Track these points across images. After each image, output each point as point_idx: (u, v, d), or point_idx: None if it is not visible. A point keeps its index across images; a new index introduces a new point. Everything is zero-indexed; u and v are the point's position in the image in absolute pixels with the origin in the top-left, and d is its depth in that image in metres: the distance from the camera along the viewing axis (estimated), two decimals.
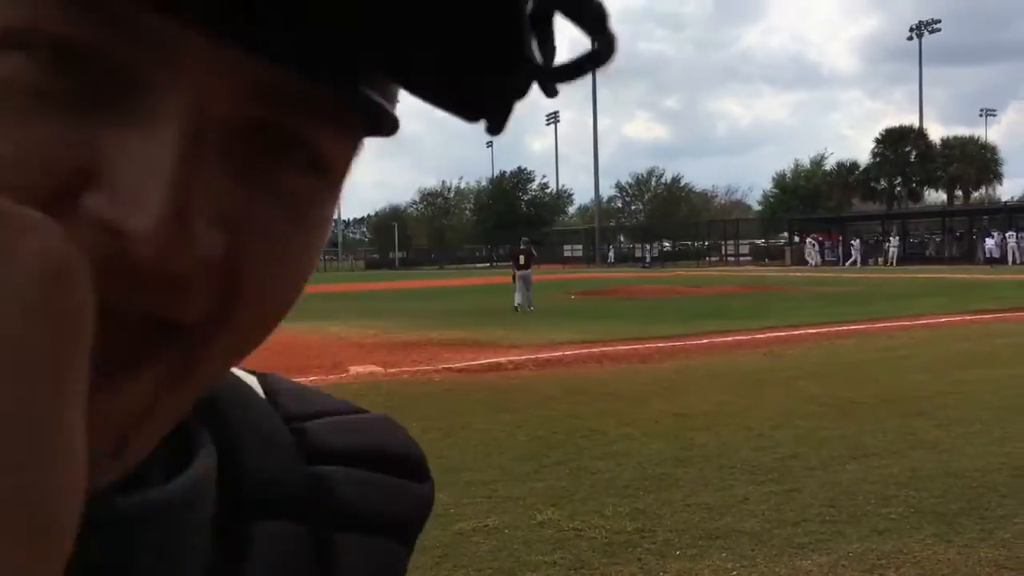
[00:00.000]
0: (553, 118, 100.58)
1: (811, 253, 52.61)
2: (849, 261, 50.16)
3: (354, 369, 10.61)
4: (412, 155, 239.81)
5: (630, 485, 5.15)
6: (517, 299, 19.55)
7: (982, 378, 8.72)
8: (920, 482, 5.02)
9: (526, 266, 19.91)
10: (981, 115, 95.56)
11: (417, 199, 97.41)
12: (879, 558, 3.86)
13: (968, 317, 15.31)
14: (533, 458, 5.90)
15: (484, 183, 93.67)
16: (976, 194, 72.03)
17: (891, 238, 50.41)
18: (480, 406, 7.98)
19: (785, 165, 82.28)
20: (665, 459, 5.76)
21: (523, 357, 11.20)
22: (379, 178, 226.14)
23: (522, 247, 20.88)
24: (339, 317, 18.87)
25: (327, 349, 12.86)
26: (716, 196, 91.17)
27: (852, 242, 52.41)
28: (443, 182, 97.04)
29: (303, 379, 7.69)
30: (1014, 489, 4.81)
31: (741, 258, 63.97)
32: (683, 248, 70.54)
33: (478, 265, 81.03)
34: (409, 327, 15.88)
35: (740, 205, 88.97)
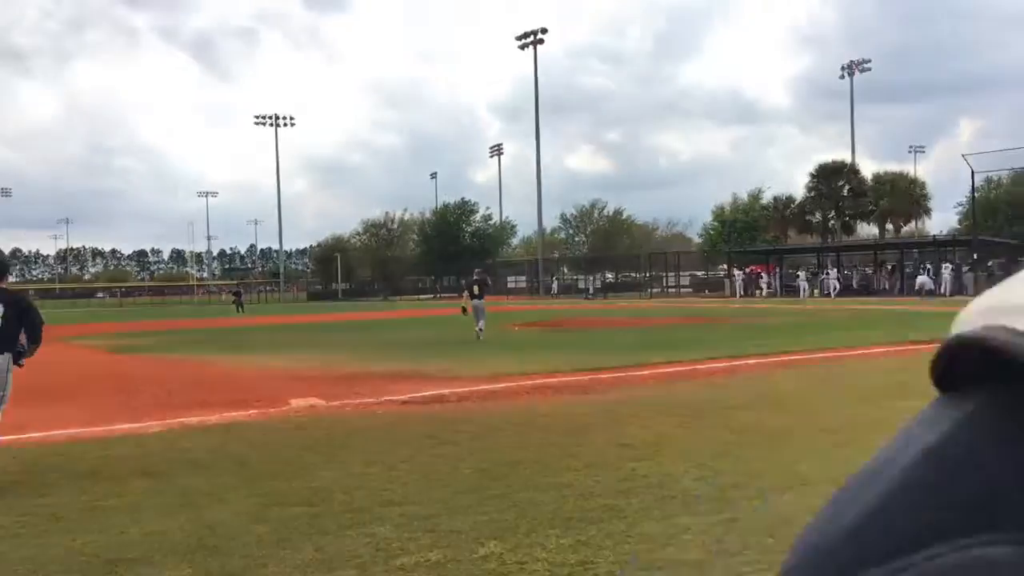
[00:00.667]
0: (497, 150, 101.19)
1: (737, 285, 53.36)
2: (804, 293, 50.70)
3: (295, 402, 10.46)
4: (354, 186, 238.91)
5: (573, 517, 5.15)
6: (480, 326, 19.90)
7: (916, 407, 8.86)
8: None
9: (480, 295, 20.32)
10: (910, 151, 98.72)
11: (360, 230, 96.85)
12: None
13: (903, 348, 15.70)
14: (476, 491, 5.86)
15: (428, 214, 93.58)
16: (906, 228, 74.17)
17: (829, 271, 51.42)
18: (423, 439, 7.92)
19: (724, 198, 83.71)
20: (608, 490, 5.78)
21: (466, 389, 11.16)
22: (321, 209, 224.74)
23: (476, 277, 21.43)
24: (280, 349, 18.61)
25: (267, 382, 12.67)
26: (657, 228, 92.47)
27: (799, 273, 53.10)
28: (386, 213, 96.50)
29: (241, 413, 7.62)
30: None
31: (682, 289, 64.79)
32: (626, 279, 71.24)
33: (422, 296, 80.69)
34: (352, 359, 15.73)
35: (681, 237, 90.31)
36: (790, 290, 51.85)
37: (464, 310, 20.69)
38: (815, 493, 5.54)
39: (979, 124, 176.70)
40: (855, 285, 51.03)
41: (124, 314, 55.41)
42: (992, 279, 45.82)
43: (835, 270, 51.22)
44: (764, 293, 51.85)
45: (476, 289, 20.76)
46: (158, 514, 5.51)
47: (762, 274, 55.48)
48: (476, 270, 23.65)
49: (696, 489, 5.73)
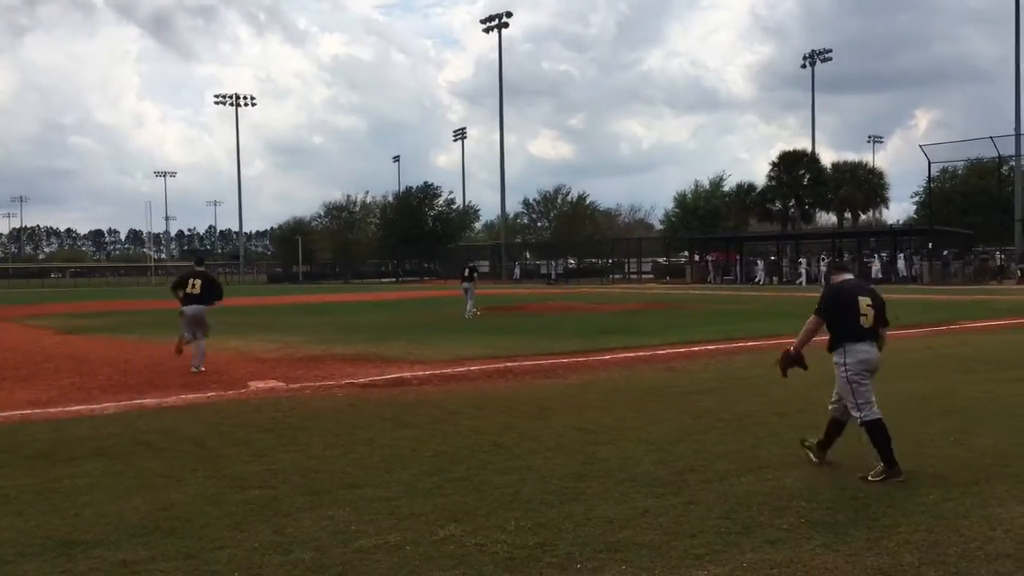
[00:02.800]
0: (460, 134, 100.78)
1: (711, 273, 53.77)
2: (755, 279, 51.41)
3: (254, 384, 10.37)
4: (315, 168, 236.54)
5: (533, 500, 5.18)
6: (469, 307, 23.58)
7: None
8: (811, 493, 5.19)
9: (470, 278, 24.72)
10: (869, 141, 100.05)
11: (322, 213, 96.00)
12: (771, 567, 3.98)
13: None
14: (436, 473, 5.87)
15: (390, 198, 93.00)
16: (864, 216, 75.23)
17: (801, 259, 51.86)
18: (384, 422, 7.90)
19: (686, 185, 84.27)
20: (568, 473, 5.81)
21: (428, 372, 11.15)
22: (281, 191, 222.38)
23: (469, 265, 26.59)
24: (239, 332, 18.41)
25: (226, 365, 12.54)
26: (620, 215, 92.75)
27: (757, 262, 53.74)
28: (348, 196, 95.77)
29: (200, 395, 7.56)
30: (899, 499, 5.03)
31: (644, 276, 65.16)
32: (588, 265, 71.46)
33: (383, 280, 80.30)
34: (312, 342, 15.63)
35: (643, 224, 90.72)
36: (754, 278, 52.41)
37: (464, 292, 24.50)
38: (772, 476, 5.63)
39: (934, 115, 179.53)
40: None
41: (79, 294, 54.46)
42: (946, 267, 46.78)
43: (804, 259, 51.60)
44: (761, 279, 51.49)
45: (466, 272, 25.32)
46: (114, 496, 5.44)
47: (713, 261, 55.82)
48: (469, 262, 30.21)
49: (654, 473, 5.79)
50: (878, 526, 4.54)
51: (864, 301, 5.74)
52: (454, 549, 4.31)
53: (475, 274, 25.67)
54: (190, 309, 12.22)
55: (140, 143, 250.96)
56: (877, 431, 5.57)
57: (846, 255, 51.81)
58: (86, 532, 4.68)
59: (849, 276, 6.09)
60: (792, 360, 6.03)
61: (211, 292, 12.42)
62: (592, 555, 4.18)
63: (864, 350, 5.68)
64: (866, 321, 5.70)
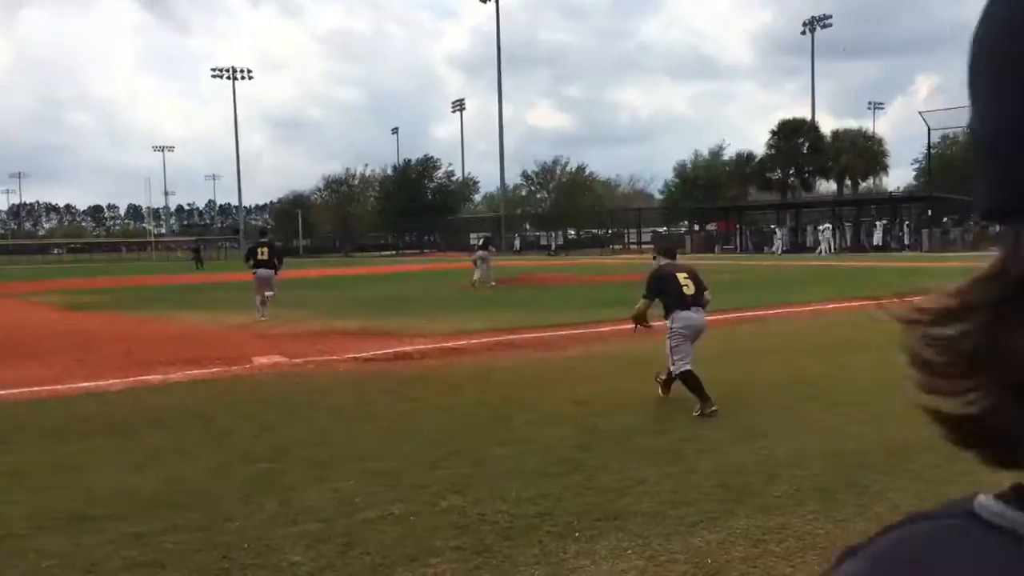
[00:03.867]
0: (459, 106, 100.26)
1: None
2: (771, 248, 50.83)
3: (258, 360, 10.50)
4: (313, 142, 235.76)
5: (533, 471, 5.31)
6: (477, 275, 24.10)
7: (862, 362, 9.20)
8: (804, 461, 5.32)
9: (485, 247, 25.65)
10: (869, 108, 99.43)
11: (321, 186, 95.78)
12: (764, 533, 4.11)
13: (854, 303, 16.05)
14: (439, 446, 6.00)
15: (389, 171, 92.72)
16: (864, 184, 75.05)
17: (820, 228, 51.24)
18: (386, 395, 8.03)
19: (685, 155, 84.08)
20: (567, 444, 5.94)
21: (429, 346, 11.27)
22: (279, 164, 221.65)
23: (485, 236, 29.62)
24: (242, 308, 18.53)
25: (229, 340, 12.67)
26: (619, 185, 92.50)
27: (776, 230, 52.83)
28: (347, 169, 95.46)
29: (204, 371, 7.65)
30: (888, 467, 5.15)
31: (644, 246, 65.14)
32: (588, 236, 71.43)
33: (384, 253, 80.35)
34: (314, 316, 15.75)
35: (643, 194, 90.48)
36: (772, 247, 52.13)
37: (475, 262, 25.28)
38: (767, 445, 5.76)
39: (935, 80, 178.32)
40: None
41: (81, 271, 54.55)
42: (946, 235, 46.79)
43: (828, 227, 50.87)
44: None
45: (481, 241, 26.86)
46: (124, 471, 5.57)
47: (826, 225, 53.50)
48: (484, 235, 32.83)
49: (652, 443, 5.92)
50: (867, 493, 4.67)
51: (681, 276, 7.11)
52: (457, 519, 4.44)
53: (491, 246, 26.54)
54: (261, 272, 15.97)
55: (137, 118, 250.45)
56: (689, 379, 6.87)
57: (811, 227, 51.44)
58: (98, 507, 4.81)
59: (670, 260, 7.50)
60: (637, 322, 7.39)
61: (276, 257, 16.58)
62: (591, 523, 4.31)
63: (688, 316, 6.98)
64: (688, 290, 7.00)
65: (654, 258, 7.76)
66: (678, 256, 7.87)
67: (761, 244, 53.47)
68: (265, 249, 16.39)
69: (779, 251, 49.88)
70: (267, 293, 15.82)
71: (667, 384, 7.31)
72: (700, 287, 7.16)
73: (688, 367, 6.91)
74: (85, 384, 9.11)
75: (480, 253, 25.29)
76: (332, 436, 6.46)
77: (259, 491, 5.03)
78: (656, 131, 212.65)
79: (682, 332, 6.95)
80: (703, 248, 55.02)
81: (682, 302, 7.01)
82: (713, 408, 6.66)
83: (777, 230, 53.48)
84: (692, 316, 7.01)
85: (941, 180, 58.65)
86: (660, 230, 69.60)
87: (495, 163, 76.48)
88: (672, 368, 6.98)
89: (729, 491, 4.77)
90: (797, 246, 51.62)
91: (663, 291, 7.13)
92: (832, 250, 47.17)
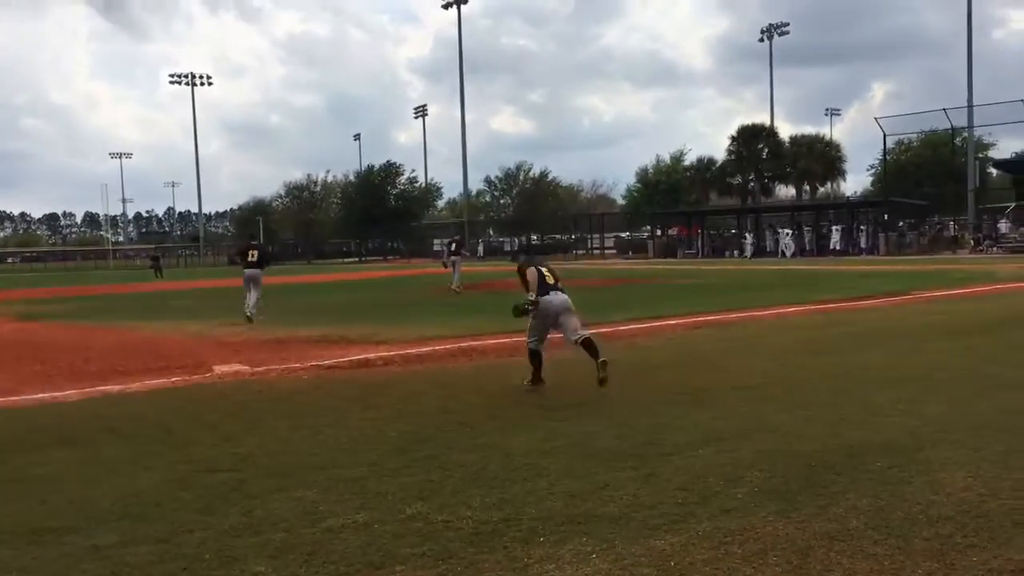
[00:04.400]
0: (422, 111, 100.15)
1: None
2: (744, 253, 51.12)
3: (219, 368, 10.38)
4: (274, 148, 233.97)
5: (497, 476, 5.31)
6: (456, 279, 24.35)
7: (822, 364, 9.36)
8: (764, 463, 5.38)
9: (456, 252, 25.59)
10: (827, 114, 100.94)
11: (282, 192, 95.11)
12: (726, 536, 4.15)
13: (812, 307, 16.28)
14: (402, 453, 5.98)
15: (352, 176, 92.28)
16: (822, 189, 76.13)
17: (785, 231, 51.85)
18: (349, 403, 7.99)
19: (647, 160, 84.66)
20: (531, 450, 5.95)
21: (392, 353, 11.22)
22: (240, 171, 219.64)
23: (456, 238, 28.26)
24: (201, 315, 18.32)
25: (189, 348, 12.51)
26: (582, 190, 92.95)
27: (780, 230, 52.81)
28: (309, 175, 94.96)
29: (164, 380, 7.55)
30: (847, 468, 5.23)
31: (607, 251, 65.51)
32: (551, 241, 71.70)
33: (346, 260, 79.88)
34: (276, 324, 15.61)
35: (605, 199, 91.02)
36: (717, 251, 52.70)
37: (444, 265, 25.70)
38: (729, 448, 5.82)
39: (889, 87, 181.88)
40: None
41: (36, 280, 53.60)
42: (902, 238, 47.61)
43: (790, 230, 51.39)
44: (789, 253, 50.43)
45: (453, 247, 26.07)
46: (82, 483, 5.49)
47: (787, 230, 52.94)
48: (455, 235, 31.02)
49: (615, 447, 5.95)
50: (827, 493, 4.74)
51: (544, 270, 8.54)
52: (421, 526, 4.43)
53: (462, 249, 26.65)
54: (249, 272, 16.78)
55: (94, 124, 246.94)
56: (534, 357, 8.51)
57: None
58: (56, 519, 4.73)
59: (534, 261, 8.83)
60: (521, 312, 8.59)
61: (264, 259, 17.68)
62: (554, 528, 4.32)
63: (549, 299, 8.33)
64: (550, 279, 8.47)
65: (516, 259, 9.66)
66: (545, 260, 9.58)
67: (722, 248, 53.98)
68: (255, 252, 17.53)
69: (749, 255, 50.42)
70: (254, 295, 16.61)
71: (537, 375, 8.63)
72: (556, 277, 8.68)
73: (538, 347, 8.58)
74: (41, 395, 8.95)
75: (452, 257, 25.20)
76: (294, 444, 6.41)
77: (220, 501, 4.97)
78: (618, 136, 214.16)
79: (543, 314, 8.43)
80: (664, 253, 55.46)
81: (546, 289, 8.43)
82: (535, 387, 8.41)
83: (747, 235, 54.04)
84: (552, 298, 8.40)
85: (896, 184, 59.74)
86: (623, 235, 70.07)
87: (457, 168, 76.67)
88: (528, 344, 8.61)
89: (691, 494, 4.81)
90: (760, 250, 52.22)
91: (535, 282, 8.53)
92: (794, 253, 47.78)
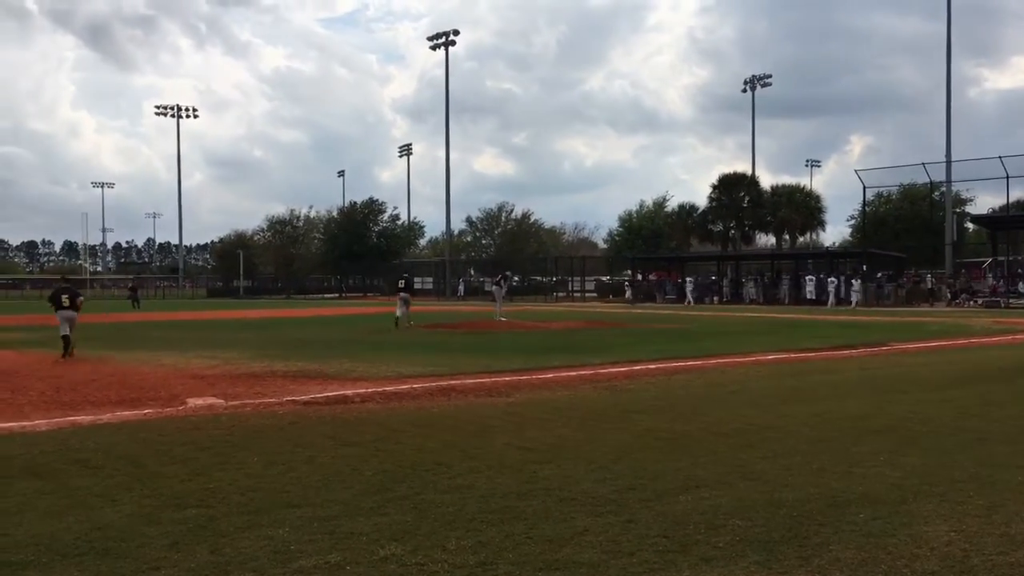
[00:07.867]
0: (406, 150, 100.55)
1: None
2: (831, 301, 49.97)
3: (192, 402, 10.21)
4: (257, 182, 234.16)
5: (474, 518, 5.20)
6: (400, 313, 25.37)
7: (803, 412, 9.31)
8: (746, 512, 5.30)
9: (405, 289, 26.42)
10: (807, 165, 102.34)
11: (264, 226, 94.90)
12: None
13: (793, 355, 16.30)
14: (378, 492, 5.86)
15: (334, 212, 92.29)
16: (802, 238, 76.87)
17: (784, 277, 52.44)
18: (325, 440, 7.85)
19: (628, 205, 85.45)
20: (509, 492, 5.85)
21: (370, 390, 11.10)
22: (222, 204, 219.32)
23: (404, 276, 28.41)
24: (177, 347, 18.09)
25: (163, 381, 12.32)
26: (564, 233, 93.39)
27: (831, 279, 52.30)
28: (291, 210, 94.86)
29: (136, 412, 7.42)
30: (830, 518, 5.16)
31: (587, 294, 65.61)
32: (533, 283, 71.79)
33: (327, 296, 79.54)
34: (253, 358, 15.44)
35: (587, 242, 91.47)
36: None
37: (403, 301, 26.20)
38: (709, 495, 5.74)
39: (868, 140, 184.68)
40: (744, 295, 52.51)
41: (9, 307, 52.93)
42: (880, 289, 47.94)
43: (787, 277, 51.74)
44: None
45: (401, 284, 26.80)
46: (46, 515, 5.32)
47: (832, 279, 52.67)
48: (404, 274, 30.00)
49: (594, 492, 5.86)
50: (810, 544, 4.66)
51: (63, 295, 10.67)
52: (395, 569, 4.31)
53: (411, 285, 27.44)
54: (65, 313, 16.83)
55: (76, 153, 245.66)
56: (66, 343, 10.48)
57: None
58: (17, 553, 4.57)
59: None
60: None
61: (74, 303, 17.27)
62: (532, 574, 4.22)
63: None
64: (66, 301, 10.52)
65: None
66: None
67: (702, 296, 54.11)
68: (67, 296, 17.50)
69: (759, 299, 50.65)
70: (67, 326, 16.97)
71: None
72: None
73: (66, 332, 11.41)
74: (9, 424, 8.75)
75: (402, 295, 26.30)
76: (267, 481, 6.26)
77: (189, 538, 4.83)
78: (600, 181, 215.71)
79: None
80: (643, 298, 55.53)
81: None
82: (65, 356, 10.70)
83: (688, 281, 54.34)
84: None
85: (875, 236, 60.39)
86: (603, 278, 70.29)
87: (440, 208, 76.85)
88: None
89: (672, 541, 4.72)
90: (738, 297, 52.46)
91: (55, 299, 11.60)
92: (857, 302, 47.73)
